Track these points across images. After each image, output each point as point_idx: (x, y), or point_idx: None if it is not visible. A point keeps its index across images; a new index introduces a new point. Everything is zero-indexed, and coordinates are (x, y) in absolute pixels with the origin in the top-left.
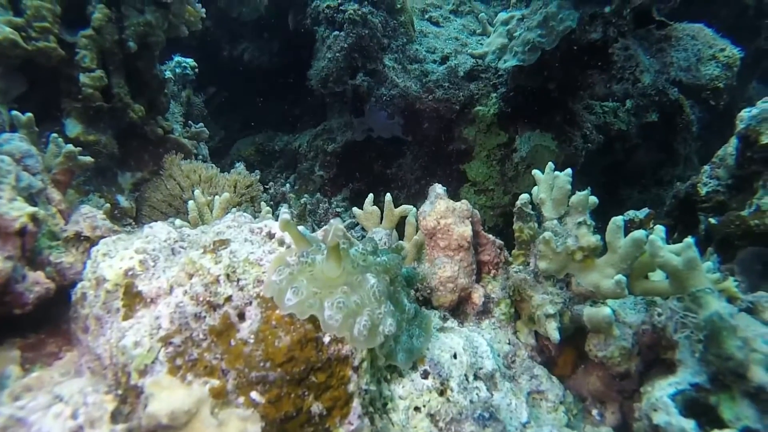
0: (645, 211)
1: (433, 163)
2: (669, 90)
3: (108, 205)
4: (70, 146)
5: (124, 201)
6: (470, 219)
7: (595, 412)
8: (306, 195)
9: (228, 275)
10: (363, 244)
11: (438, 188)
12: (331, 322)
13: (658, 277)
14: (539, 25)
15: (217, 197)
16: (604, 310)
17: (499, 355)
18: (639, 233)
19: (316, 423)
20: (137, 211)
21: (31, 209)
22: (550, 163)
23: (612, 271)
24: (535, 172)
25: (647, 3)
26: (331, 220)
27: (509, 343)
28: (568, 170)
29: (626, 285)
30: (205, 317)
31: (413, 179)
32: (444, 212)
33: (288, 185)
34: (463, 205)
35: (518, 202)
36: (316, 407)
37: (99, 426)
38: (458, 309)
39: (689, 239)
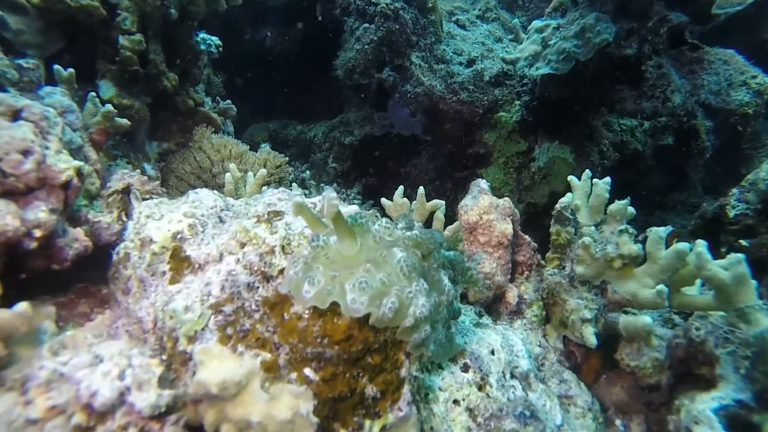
0: (668, 228)
1: (449, 166)
2: (697, 111)
3: (138, 171)
4: (109, 106)
5: (150, 170)
6: (511, 218)
7: (618, 422)
8: (326, 184)
9: (283, 247)
10: (397, 220)
11: (482, 183)
12: (355, 306)
13: (692, 291)
14: (576, 36)
15: (250, 173)
16: (644, 318)
17: (530, 356)
18: (683, 245)
19: (369, 406)
20: (163, 181)
21: (77, 163)
22: (587, 171)
23: (651, 282)
24: (571, 178)
25: (683, 24)
26: (324, 192)
27: (540, 346)
28: (607, 179)
29: (667, 296)
30: (258, 288)
31: (427, 180)
32: (488, 208)
33: (307, 172)
34: (506, 202)
35: (558, 206)
36: (370, 389)
37: (147, 389)
38: (491, 307)
39: (739, 255)
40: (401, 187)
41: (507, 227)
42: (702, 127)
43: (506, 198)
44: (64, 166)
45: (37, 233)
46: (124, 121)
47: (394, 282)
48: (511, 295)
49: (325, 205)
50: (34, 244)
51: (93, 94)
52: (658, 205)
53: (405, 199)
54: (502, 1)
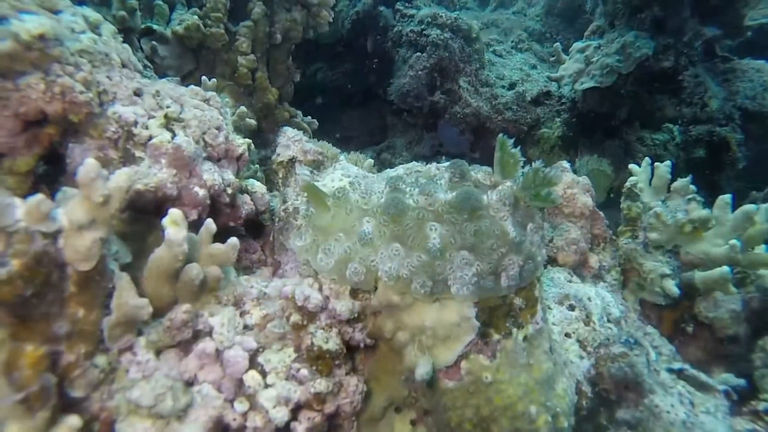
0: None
1: None
2: (735, 115)
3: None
4: (242, 107)
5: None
6: (589, 193)
7: None
8: None
9: None
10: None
11: (564, 163)
12: (322, 264)
13: (760, 250)
14: (617, 52)
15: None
16: (722, 268)
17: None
18: (750, 206)
19: (515, 315)
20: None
21: (248, 140)
22: (647, 158)
23: (721, 242)
24: (632, 166)
25: (716, 37)
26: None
27: (622, 305)
28: (668, 162)
29: (740, 251)
30: None
31: None
32: (570, 183)
33: None
34: (584, 180)
35: (627, 184)
36: (518, 301)
37: (342, 298)
38: (575, 271)
39: None
40: None
41: (588, 200)
42: (733, 139)
43: (584, 176)
44: (240, 141)
45: (230, 190)
46: (252, 122)
47: (358, 251)
48: (594, 260)
49: (299, 181)
50: (227, 199)
51: (227, 99)
52: None
53: None
54: (532, 35)
